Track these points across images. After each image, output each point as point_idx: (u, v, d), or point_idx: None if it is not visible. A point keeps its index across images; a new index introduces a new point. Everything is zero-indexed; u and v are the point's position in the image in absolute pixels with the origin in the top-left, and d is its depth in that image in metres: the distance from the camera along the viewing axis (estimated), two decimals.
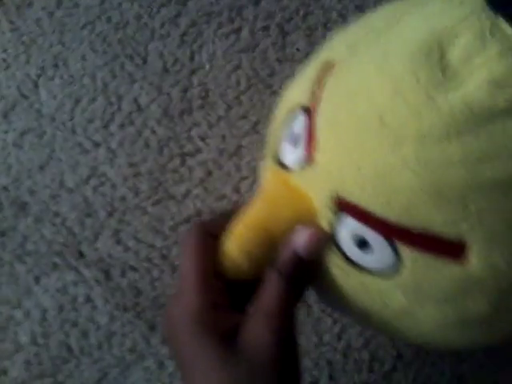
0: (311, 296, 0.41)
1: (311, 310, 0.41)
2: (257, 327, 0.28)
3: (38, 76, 0.52)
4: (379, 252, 0.29)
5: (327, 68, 0.31)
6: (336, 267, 0.30)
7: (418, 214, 0.27)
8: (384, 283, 0.29)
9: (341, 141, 0.28)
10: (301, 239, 0.29)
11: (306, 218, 0.30)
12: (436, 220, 0.26)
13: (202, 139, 0.47)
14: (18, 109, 0.51)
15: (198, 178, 0.46)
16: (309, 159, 0.30)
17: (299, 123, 0.31)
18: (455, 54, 0.26)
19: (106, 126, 0.49)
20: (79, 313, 0.45)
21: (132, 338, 0.44)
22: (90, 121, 0.50)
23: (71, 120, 0.50)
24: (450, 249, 0.27)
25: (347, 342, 0.40)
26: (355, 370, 0.39)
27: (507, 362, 0.39)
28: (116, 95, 0.50)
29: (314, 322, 0.41)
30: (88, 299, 0.45)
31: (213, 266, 0.30)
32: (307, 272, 0.30)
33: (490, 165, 0.25)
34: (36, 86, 0.52)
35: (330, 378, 0.40)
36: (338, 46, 0.32)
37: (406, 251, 0.28)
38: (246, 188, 0.45)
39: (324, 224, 0.30)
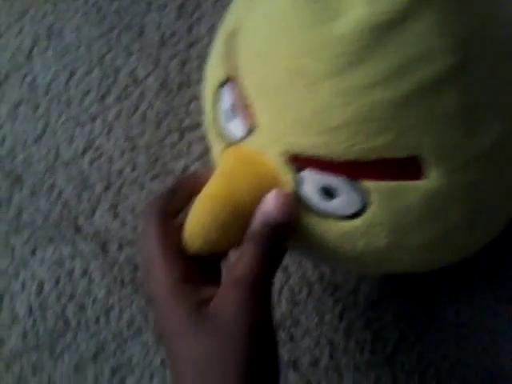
0: (314, 275, 0.42)
1: (312, 290, 0.42)
2: (227, 296, 0.28)
3: (32, 47, 0.51)
4: (345, 195, 0.29)
5: (234, 37, 0.31)
6: (307, 222, 0.31)
7: (359, 144, 0.27)
8: (360, 224, 0.29)
9: (270, 100, 0.29)
10: (270, 205, 0.29)
11: (268, 183, 0.30)
12: (377, 143, 0.27)
13: (201, 113, 0.46)
14: (11, 80, 0.50)
15: (196, 153, 0.46)
16: (252, 126, 0.30)
17: (229, 96, 0.32)
18: None
19: (102, 99, 0.48)
20: (76, 286, 0.45)
21: (129, 312, 0.44)
22: (86, 93, 0.49)
23: (66, 92, 0.49)
24: (406, 169, 0.28)
25: (349, 322, 0.40)
26: (357, 351, 0.40)
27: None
28: (112, 67, 0.49)
29: (315, 301, 0.41)
30: (85, 273, 0.45)
31: (177, 244, 0.31)
32: (281, 238, 0.30)
33: (404, 76, 0.26)
34: (29, 57, 0.51)
35: (331, 357, 0.40)
36: (238, 12, 0.33)
37: (368, 185, 0.28)
38: None
39: (286, 183, 0.30)
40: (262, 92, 0.29)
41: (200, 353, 0.28)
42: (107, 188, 0.46)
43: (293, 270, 0.42)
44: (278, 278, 0.42)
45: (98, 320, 0.44)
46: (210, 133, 0.35)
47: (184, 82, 0.48)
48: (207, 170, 0.34)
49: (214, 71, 0.34)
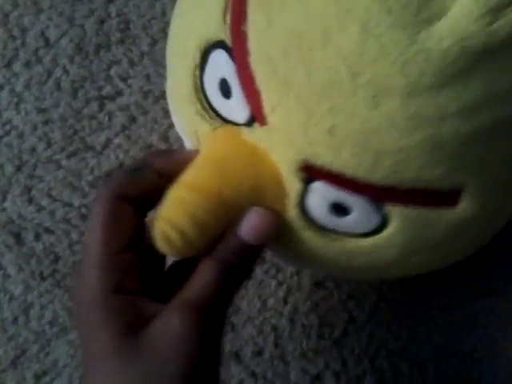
0: None
1: (253, 273, 0.37)
2: (172, 321, 0.23)
3: None
4: (361, 215, 0.25)
5: None
6: (306, 237, 0.26)
7: (407, 172, 0.23)
8: (368, 243, 0.26)
9: (298, 99, 0.23)
10: (247, 225, 0.25)
11: (267, 185, 0.25)
12: (429, 175, 0.23)
13: (123, 79, 0.41)
14: None
15: (119, 125, 0.40)
16: (259, 119, 0.24)
17: (222, 67, 0.25)
18: None
19: (8, 65, 0.42)
20: None
21: (52, 309, 0.39)
22: None
23: None
24: (443, 199, 0.24)
25: (293, 306, 0.37)
26: (303, 336, 0.36)
27: (464, 324, 0.36)
28: (19, 27, 0.42)
29: (256, 285, 0.37)
30: None
31: (125, 240, 0.25)
32: (250, 261, 0.26)
33: (488, 109, 0.22)
34: None
35: (276, 345, 0.36)
36: None
37: (393, 210, 0.24)
38: (175, 136, 0.39)
39: (289, 191, 0.25)
40: (284, 84, 0.23)
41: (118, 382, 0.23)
42: (19, 169, 0.40)
43: None
44: None
45: (15, 320, 0.39)
46: (185, 105, 0.27)
47: (102, 44, 0.41)
48: (182, 151, 0.28)
49: (199, 24, 0.26)
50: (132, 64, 0.41)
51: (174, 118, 0.30)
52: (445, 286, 0.36)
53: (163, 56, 0.40)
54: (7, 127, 0.41)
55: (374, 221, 0.25)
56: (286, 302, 0.37)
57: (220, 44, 0.25)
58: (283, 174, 0.25)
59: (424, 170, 0.23)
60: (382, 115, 0.22)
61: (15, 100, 0.41)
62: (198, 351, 0.23)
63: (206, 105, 0.27)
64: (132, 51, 0.41)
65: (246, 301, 0.37)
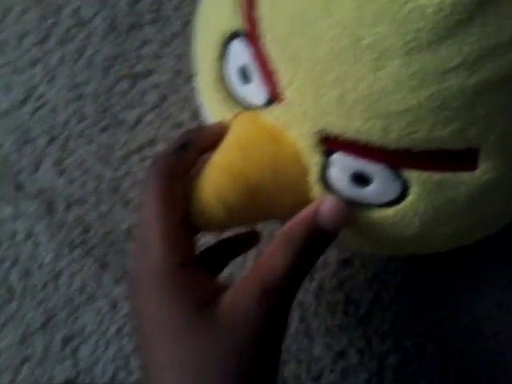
0: None
1: None
2: (247, 296, 0.24)
3: None
4: (382, 183, 0.26)
5: None
6: None
7: (420, 133, 0.24)
8: (392, 213, 0.27)
9: (307, 71, 0.24)
10: (326, 210, 0.26)
11: (288, 162, 0.27)
12: (441, 134, 0.23)
13: (155, 58, 0.42)
14: None
15: (150, 103, 0.42)
16: (276, 98, 0.26)
17: (240, 54, 0.27)
18: None
19: (41, 42, 0.43)
20: (20, 249, 0.41)
21: (81, 277, 0.40)
22: (24, 35, 0.43)
23: (1, 31, 0.44)
24: (459, 160, 0.25)
25: (319, 283, 0.38)
26: (329, 313, 0.38)
27: (489, 307, 0.38)
28: (52, 6, 0.44)
29: None
30: (29, 235, 0.41)
31: (181, 214, 0.26)
32: (323, 249, 0.27)
33: (492, 60, 0.22)
34: None
35: (301, 320, 0.38)
36: None
37: (411, 176, 0.25)
38: None
39: (311, 166, 0.26)
40: (294, 60, 0.24)
41: (196, 357, 0.23)
42: (51, 141, 0.42)
43: (260, 227, 0.39)
44: None
45: (45, 286, 0.40)
46: (210, 94, 0.30)
47: (135, 24, 0.43)
48: (215, 125, 0.29)
49: (218, 18, 0.28)
50: (164, 44, 0.42)
51: (204, 110, 0.32)
52: (470, 269, 0.38)
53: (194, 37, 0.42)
54: (40, 101, 0.42)
55: (394, 189, 0.26)
56: (312, 278, 0.38)
57: (237, 34, 0.27)
58: (303, 150, 0.26)
59: (435, 128, 0.23)
60: (387, 76, 0.22)
61: (48, 76, 0.43)
62: (268, 330, 0.24)
63: (227, 93, 0.29)
64: (164, 31, 0.42)
65: None
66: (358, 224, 0.28)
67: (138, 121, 0.41)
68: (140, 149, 0.41)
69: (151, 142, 0.41)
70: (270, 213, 0.29)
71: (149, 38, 0.42)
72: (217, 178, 0.27)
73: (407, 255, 0.36)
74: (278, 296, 0.24)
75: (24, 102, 0.42)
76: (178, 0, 0.43)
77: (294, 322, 0.38)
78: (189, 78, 0.42)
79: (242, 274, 0.26)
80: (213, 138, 0.28)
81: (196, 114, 0.41)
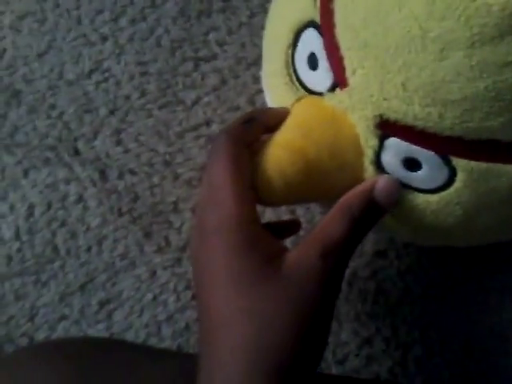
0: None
1: None
2: (310, 254, 0.26)
3: None
4: (431, 169, 0.27)
5: None
6: None
7: (473, 122, 0.25)
8: (437, 199, 0.28)
9: (376, 58, 0.26)
10: (380, 187, 0.27)
11: (348, 145, 0.28)
12: (493, 125, 0.25)
13: (220, 45, 0.44)
14: None
15: (210, 85, 0.43)
16: (341, 83, 0.27)
17: (312, 42, 0.29)
18: None
19: (115, 20, 0.45)
20: (69, 212, 0.42)
21: (124, 243, 0.41)
22: (99, 12, 0.46)
23: (77, 9, 0.46)
24: (506, 152, 0.26)
25: (353, 271, 0.39)
26: (359, 300, 0.38)
27: None
28: None
29: None
30: (80, 199, 0.42)
31: (248, 178, 0.28)
32: (375, 222, 0.28)
33: None
34: None
35: None
36: None
37: (459, 163, 0.26)
38: (261, 101, 0.42)
39: (366, 148, 0.28)
40: (364, 47, 0.26)
41: (266, 304, 0.25)
42: (112, 113, 0.44)
43: (300, 213, 0.40)
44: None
45: (89, 249, 0.41)
46: (277, 79, 0.31)
47: (204, 11, 0.45)
48: (278, 108, 0.31)
49: (293, 8, 0.30)
50: (230, 32, 0.44)
51: (267, 95, 0.34)
52: (502, 270, 0.38)
53: (259, 28, 0.43)
54: (106, 74, 0.44)
55: (442, 176, 0.27)
56: None
57: (310, 23, 0.29)
58: (361, 132, 0.28)
59: (488, 118, 0.25)
60: (449, 66, 0.24)
61: (117, 51, 0.45)
62: (327, 283, 0.26)
63: (294, 78, 0.30)
64: (231, 20, 0.44)
65: None
66: (404, 207, 0.29)
67: (197, 101, 0.43)
68: (195, 128, 0.42)
69: (207, 123, 0.42)
70: (325, 190, 0.30)
71: (216, 25, 0.44)
72: (278, 154, 0.28)
73: (443, 248, 0.37)
74: (336, 255, 0.26)
75: (90, 73, 0.45)
76: None
77: None
78: (249, 65, 0.43)
79: None
80: (275, 118, 0.30)
81: (252, 99, 0.42)
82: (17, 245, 0.42)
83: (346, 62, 0.27)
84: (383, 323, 0.38)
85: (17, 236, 0.42)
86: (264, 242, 0.26)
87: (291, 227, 0.35)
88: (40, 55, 0.45)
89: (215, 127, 0.42)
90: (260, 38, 0.41)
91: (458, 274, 0.38)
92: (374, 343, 0.38)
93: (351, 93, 0.27)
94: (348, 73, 0.27)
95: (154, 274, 0.40)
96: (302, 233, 0.39)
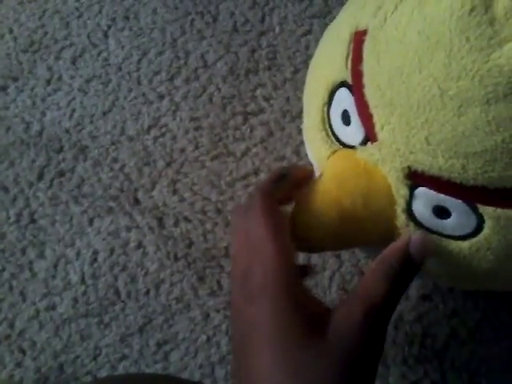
0: (367, 265, 0.41)
1: None
2: (354, 312, 0.27)
3: (109, 26, 0.53)
4: (459, 217, 0.29)
5: (358, 38, 0.31)
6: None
7: (495, 172, 0.27)
8: (468, 245, 0.29)
9: (401, 115, 0.28)
10: (417, 242, 0.29)
11: (378, 193, 0.30)
12: None
13: (266, 99, 0.47)
14: (86, 56, 0.52)
15: (258, 137, 0.46)
16: (371, 138, 0.30)
17: (344, 101, 0.31)
18: (499, 5, 0.26)
19: (171, 79, 0.50)
20: (129, 257, 0.46)
21: (180, 287, 0.44)
22: (156, 73, 0.50)
23: (137, 71, 0.51)
24: None
25: (399, 314, 0.40)
26: (406, 344, 0.39)
27: None
28: (184, 50, 0.50)
29: None
30: (139, 245, 0.46)
31: (287, 232, 0.29)
32: (414, 273, 0.30)
33: None
34: (106, 35, 0.53)
35: None
36: (360, 13, 0.32)
37: (487, 211, 0.28)
38: (306, 151, 0.44)
39: (398, 198, 0.30)
40: (390, 105, 0.29)
41: (310, 368, 0.25)
42: (168, 165, 0.47)
43: (346, 257, 0.42)
44: (331, 264, 0.41)
45: (147, 292, 0.44)
46: (314, 133, 0.34)
47: (252, 69, 0.48)
48: (306, 166, 0.34)
49: (328, 70, 0.33)
50: (275, 87, 0.47)
51: (307, 147, 0.37)
52: None
53: (302, 83, 0.46)
54: (163, 130, 0.48)
55: (471, 222, 0.29)
56: None
57: (343, 84, 0.32)
58: (392, 183, 0.30)
59: (509, 168, 0.26)
60: (467, 122, 0.26)
61: (173, 108, 0.49)
62: (371, 340, 0.27)
63: (329, 133, 0.33)
64: (276, 76, 0.47)
65: None
66: (438, 254, 0.30)
67: (246, 152, 0.46)
68: (245, 177, 0.45)
69: (255, 172, 0.45)
70: (360, 237, 0.32)
71: (263, 81, 0.47)
72: (316, 204, 0.31)
73: (485, 292, 0.37)
74: (379, 312, 0.27)
75: (149, 129, 0.49)
76: (291, 50, 0.48)
77: None
78: (294, 117, 0.46)
79: None
80: (303, 175, 0.32)
81: (297, 150, 0.45)
82: (82, 288, 0.46)
83: (375, 119, 0.30)
84: (431, 367, 0.38)
85: (82, 280, 0.46)
86: (309, 302, 0.27)
87: (309, 271, 0.37)
88: (104, 113, 0.50)
89: (263, 176, 0.45)
90: (303, 92, 0.44)
91: (503, 317, 0.39)
92: None
93: (380, 147, 0.30)
94: (377, 128, 0.29)
95: (207, 316, 0.43)
96: (348, 277, 0.41)
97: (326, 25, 0.41)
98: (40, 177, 0.49)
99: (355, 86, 0.31)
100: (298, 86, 0.46)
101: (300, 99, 0.46)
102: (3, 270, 0.46)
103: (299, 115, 0.46)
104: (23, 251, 0.46)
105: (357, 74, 0.30)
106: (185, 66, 0.50)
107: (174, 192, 0.46)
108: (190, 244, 0.45)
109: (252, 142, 0.46)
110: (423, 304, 0.39)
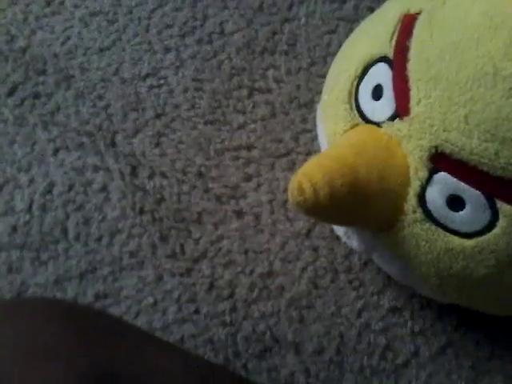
0: (343, 265, 0.39)
1: (337, 278, 0.39)
2: None
3: None
4: (474, 210, 0.27)
5: (408, 19, 0.31)
6: (418, 228, 0.29)
7: None
8: (472, 244, 0.28)
9: (445, 90, 0.27)
10: None
11: (395, 170, 0.29)
12: None
13: (277, 81, 0.45)
14: None
15: (260, 115, 0.44)
16: (402, 113, 0.29)
17: (380, 75, 0.31)
18: None
19: (182, 36, 0.47)
20: (89, 198, 0.41)
21: (138, 241, 0.40)
22: (168, 26, 0.47)
23: (148, 19, 0.48)
24: None
25: (366, 322, 0.37)
26: (366, 353, 0.36)
27: None
28: (202, 13, 0.48)
29: (336, 290, 0.38)
30: (104, 188, 0.41)
31: None
32: None
33: None
34: None
35: (338, 351, 0.36)
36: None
37: (504, 208, 0.27)
38: (305, 140, 0.43)
39: (414, 180, 0.28)
40: (435, 79, 0.28)
41: None
42: (158, 116, 0.44)
43: (323, 253, 0.39)
44: (307, 255, 0.39)
45: (100, 239, 0.40)
46: (336, 108, 0.33)
47: (269, 49, 0.47)
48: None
49: (367, 46, 0.32)
50: (288, 72, 0.46)
51: (320, 125, 0.35)
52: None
53: (316, 76, 0.45)
54: (161, 81, 0.45)
55: (484, 218, 0.27)
56: (359, 315, 0.37)
57: (382, 59, 0.31)
58: (412, 163, 0.28)
59: None
60: None
61: (177, 63, 0.46)
62: None
63: (353, 107, 0.32)
64: (292, 63, 0.46)
65: (323, 301, 0.38)
66: (437, 248, 0.29)
67: (243, 126, 0.43)
68: (236, 149, 0.43)
69: (248, 147, 0.43)
70: (365, 212, 0.30)
71: (277, 63, 0.46)
72: (329, 164, 0.29)
73: (458, 317, 0.36)
74: None
75: (146, 77, 0.45)
76: (312, 43, 0.47)
77: (330, 351, 0.36)
78: (301, 106, 0.44)
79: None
80: None
81: (297, 136, 0.43)
82: (26, 218, 0.40)
83: (412, 93, 0.28)
84: (386, 381, 0.36)
85: (28, 209, 0.41)
86: None
87: None
88: (101, 50, 0.47)
89: (255, 153, 0.42)
90: (315, 84, 0.43)
91: (469, 346, 0.37)
92: None
93: (411, 122, 0.28)
94: (412, 102, 0.28)
95: (160, 278, 0.39)
96: (320, 272, 0.39)
97: (352, 29, 0.40)
98: (11, 93, 0.45)
99: (397, 61, 0.30)
100: (311, 78, 0.45)
101: (310, 90, 0.45)
102: None
103: (306, 105, 0.44)
104: None
105: (402, 48, 0.30)
106: (200, 28, 0.47)
107: (157, 145, 0.43)
108: (161, 200, 0.41)
109: (252, 118, 0.44)
110: (392, 316, 0.37)
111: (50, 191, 0.41)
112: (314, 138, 0.42)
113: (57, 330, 0.25)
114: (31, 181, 0.42)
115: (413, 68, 0.29)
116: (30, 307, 0.26)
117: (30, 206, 0.41)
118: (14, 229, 0.40)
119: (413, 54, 0.29)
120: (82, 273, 0.39)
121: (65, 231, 0.40)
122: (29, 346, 0.24)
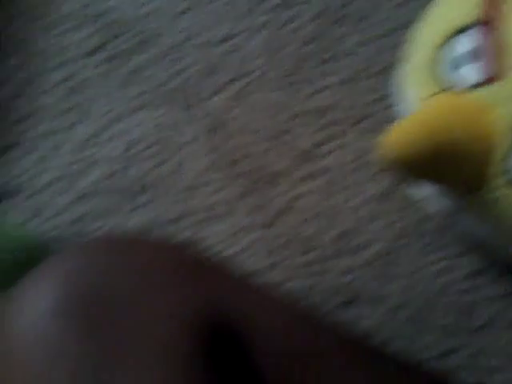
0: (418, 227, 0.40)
1: (415, 240, 0.40)
2: None
3: None
4: None
5: None
6: (502, 194, 0.30)
7: None
8: None
9: None
10: None
11: (478, 136, 0.30)
12: None
13: (347, 53, 0.47)
14: None
15: (331, 82, 0.45)
16: (493, 78, 0.30)
17: (468, 41, 0.31)
18: None
19: (259, 3, 0.48)
20: (173, 155, 0.43)
21: (223, 194, 0.42)
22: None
23: None
24: None
25: (445, 284, 0.39)
26: (444, 313, 0.38)
27: None
28: None
29: (415, 251, 0.40)
30: (186, 142, 0.43)
31: None
32: None
33: None
34: None
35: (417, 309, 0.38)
36: None
37: None
38: (376, 109, 0.44)
39: (500, 147, 0.29)
40: None
41: None
42: (232, 81, 0.46)
43: (402, 214, 0.41)
44: (385, 216, 0.40)
45: (184, 190, 0.42)
46: (419, 75, 0.34)
47: (341, 19, 0.48)
48: None
49: (455, 13, 0.33)
50: (360, 44, 0.47)
51: (402, 92, 0.37)
52: None
53: (384, 45, 0.46)
54: (235, 47, 0.47)
55: None
56: (438, 276, 0.39)
57: (470, 25, 0.32)
58: (498, 129, 0.29)
59: None
60: None
61: (251, 31, 0.47)
62: None
63: (436, 74, 0.33)
64: (364, 33, 0.47)
65: (403, 260, 0.40)
66: None
67: (317, 91, 0.45)
68: (306, 113, 0.44)
69: (323, 109, 0.44)
70: (444, 174, 0.32)
71: (348, 33, 0.47)
72: (413, 127, 0.30)
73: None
74: None
75: (221, 42, 0.47)
76: (380, 17, 0.48)
77: (410, 309, 0.38)
78: (369, 76, 0.46)
79: None
80: None
81: (366, 106, 0.45)
82: (109, 170, 0.43)
83: (506, 58, 0.29)
84: (461, 343, 0.37)
85: (110, 165, 0.43)
86: None
87: None
88: (177, 15, 0.48)
89: (329, 117, 0.44)
90: (381, 52, 0.44)
91: None
92: None
93: (502, 87, 0.29)
94: (506, 68, 0.29)
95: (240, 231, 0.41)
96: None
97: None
98: (91, 53, 0.47)
99: (490, 26, 0.31)
100: (381, 48, 0.46)
101: (382, 60, 0.46)
102: None
103: (376, 75, 0.45)
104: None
105: (493, 13, 0.31)
106: None
107: (233, 107, 0.45)
108: (239, 160, 0.43)
109: (325, 84, 0.45)
110: (472, 280, 0.39)
111: (129, 148, 0.44)
112: (386, 107, 0.44)
113: (178, 265, 0.26)
114: (111, 138, 0.44)
115: (508, 34, 0.30)
116: (147, 244, 0.28)
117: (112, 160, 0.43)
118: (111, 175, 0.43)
119: (505, 18, 0.30)
120: (176, 218, 0.41)
121: (145, 187, 0.42)
122: (156, 276, 0.26)
